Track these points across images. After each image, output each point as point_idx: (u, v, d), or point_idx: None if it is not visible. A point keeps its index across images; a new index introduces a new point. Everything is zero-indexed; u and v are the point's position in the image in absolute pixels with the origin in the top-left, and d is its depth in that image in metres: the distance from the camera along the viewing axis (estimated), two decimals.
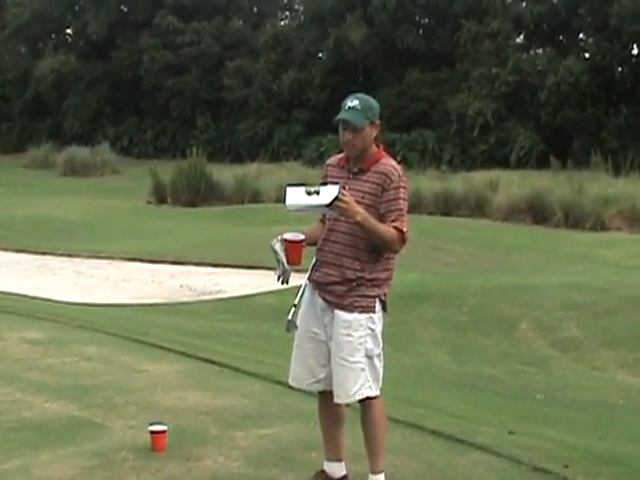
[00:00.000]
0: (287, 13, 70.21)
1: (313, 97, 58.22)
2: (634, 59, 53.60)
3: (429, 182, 34.96)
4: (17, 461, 6.75)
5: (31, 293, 16.20)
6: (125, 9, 67.63)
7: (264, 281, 17.13)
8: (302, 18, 65.42)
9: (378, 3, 56.02)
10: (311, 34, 60.34)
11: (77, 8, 69.51)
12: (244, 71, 60.92)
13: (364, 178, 5.84)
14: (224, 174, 35.89)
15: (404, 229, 5.73)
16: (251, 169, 39.73)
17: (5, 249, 23.40)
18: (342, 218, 5.73)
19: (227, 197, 34.08)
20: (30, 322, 12.02)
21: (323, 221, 6.04)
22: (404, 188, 5.83)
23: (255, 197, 34.12)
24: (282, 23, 67.50)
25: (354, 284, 5.81)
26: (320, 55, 60.20)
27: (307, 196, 5.61)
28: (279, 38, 61.92)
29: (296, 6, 68.49)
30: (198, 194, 33.69)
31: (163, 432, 6.91)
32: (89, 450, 6.91)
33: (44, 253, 22.86)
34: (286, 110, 59.25)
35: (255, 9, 68.20)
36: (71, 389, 8.61)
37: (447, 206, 33.15)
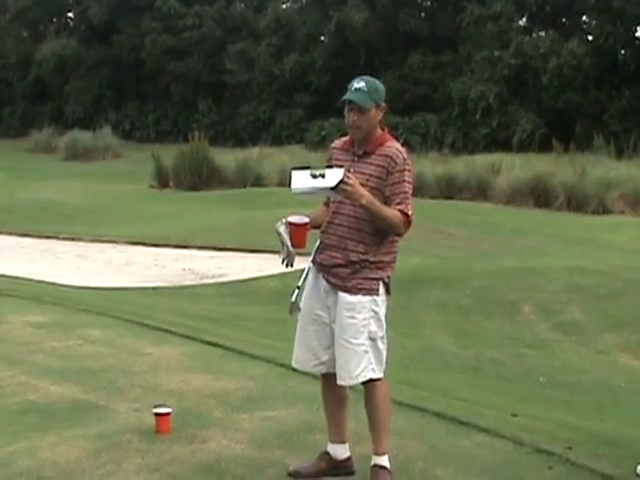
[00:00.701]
0: None
1: (315, 81, 58.07)
2: (637, 42, 53.17)
3: (431, 165, 34.94)
4: (23, 443, 6.79)
5: (35, 277, 16.23)
6: None
7: (267, 264, 17.17)
8: (304, 1, 65.15)
9: None
10: (313, 17, 60.22)
11: None
12: (246, 55, 60.77)
13: (369, 161, 5.85)
14: (226, 158, 35.91)
15: (409, 212, 5.73)
16: (253, 153, 39.71)
17: (9, 233, 23.46)
18: (347, 201, 5.73)
19: (229, 181, 34.11)
20: (34, 305, 12.05)
21: (327, 204, 6.05)
22: (409, 171, 5.85)
23: (257, 181, 34.12)
24: (284, 6, 67.18)
25: (358, 267, 5.83)
26: (322, 38, 59.96)
27: (312, 179, 5.61)
28: (281, 21, 61.73)
29: None
30: (200, 178, 33.70)
31: (167, 414, 6.95)
32: (94, 432, 6.95)
33: (47, 237, 22.91)
34: (288, 94, 59.09)
35: None
36: (75, 372, 8.65)
37: (449, 190, 33.13)
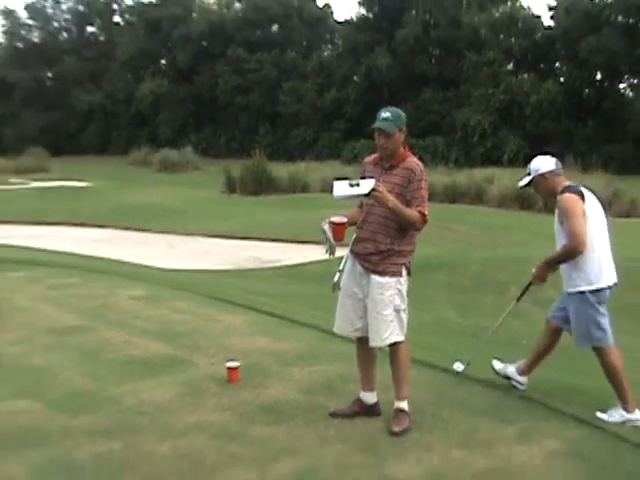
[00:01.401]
0: (329, 46, 70.00)
1: (349, 111, 58.38)
2: (597, 83, 53.57)
3: (439, 177, 34.70)
4: (128, 386, 6.87)
5: (135, 261, 16.34)
6: (205, 44, 67.68)
7: (312, 253, 17.15)
8: (340, 50, 65.26)
9: (400, 38, 56.15)
10: (347, 62, 60.42)
11: (169, 44, 69.72)
12: (296, 91, 61.11)
13: (394, 173, 5.86)
14: (280, 170, 35.91)
15: (425, 212, 5.76)
16: (301, 166, 39.64)
17: (116, 227, 23.61)
18: (377, 204, 5.74)
19: (283, 188, 34.08)
20: (134, 283, 12.12)
21: (361, 207, 6.05)
22: (425, 180, 5.85)
23: (304, 188, 34.07)
24: (325, 54, 67.42)
25: (386, 254, 5.85)
26: (355, 78, 60.05)
27: (350, 187, 5.64)
28: (323, 65, 62.12)
29: (336, 40, 68.28)
30: (260, 186, 33.70)
31: (237, 367, 6.99)
32: (181, 380, 7.01)
33: (144, 230, 23.04)
34: (328, 121, 59.36)
35: (304, 43, 68.14)
36: (167, 334, 8.70)
37: (454, 196, 32.95)
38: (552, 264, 6.45)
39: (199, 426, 5.95)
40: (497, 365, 6.96)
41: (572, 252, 6.18)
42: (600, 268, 6.27)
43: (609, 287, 6.30)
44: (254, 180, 34.09)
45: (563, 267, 6.41)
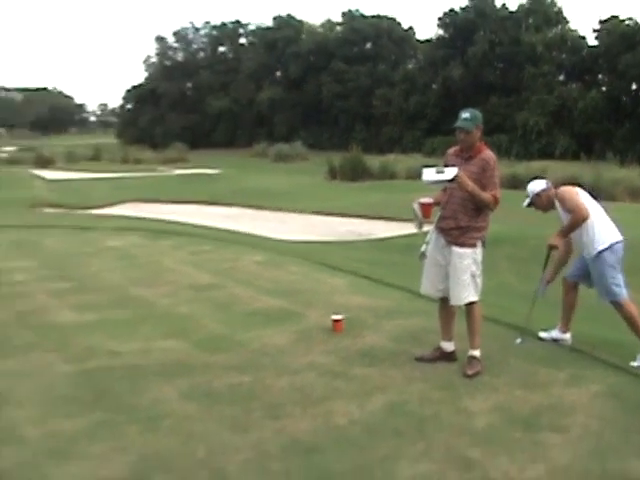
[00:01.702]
0: (413, 60, 69.30)
1: (429, 113, 57.86)
2: (633, 92, 52.18)
3: (503, 168, 33.41)
4: (253, 333, 6.95)
5: (255, 232, 16.46)
6: (312, 59, 67.91)
7: (399, 228, 17.04)
8: (422, 63, 64.62)
9: (471, 54, 55.37)
10: (427, 73, 59.98)
11: (283, 59, 70.10)
12: (385, 97, 60.88)
13: (472, 162, 5.79)
14: (372, 161, 35.67)
15: (498, 195, 5.72)
16: (390, 158, 39.24)
17: (240, 206, 23.83)
18: (458, 188, 5.69)
19: (375, 176, 33.76)
20: (256, 250, 12.22)
21: (445, 190, 5.97)
22: (497, 169, 5.80)
23: (392, 176, 33.74)
24: (409, 66, 66.96)
25: (465, 230, 5.80)
26: (434, 86, 59.39)
27: (436, 174, 5.61)
28: (407, 76, 61.90)
29: (418, 55, 67.62)
30: (356, 173, 33.48)
31: (340, 320, 7.00)
32: (295, 329, 7.07)
33: (262, 208, 23.18)
34: (411, 121, 59.04)
35: (393, 57, 67.57)
36: (283, 292, 8.75)
37: (514, 184, 32.32)
38: (563, 234, 6.43)
39: (310, 366, 5.98)
40: (543, 334, 6.81)
41: (578, 221, 6.25)
42: (605, 228, 6.35)
43: (618, 242, 6.33)
44: (351, 169, 33.90)
45: (578, 240, 6.44)
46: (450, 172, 5.60)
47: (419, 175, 5.74)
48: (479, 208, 5.80)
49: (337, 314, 7.07)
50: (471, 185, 5.65)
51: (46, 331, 7.02)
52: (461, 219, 5.81)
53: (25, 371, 5.89)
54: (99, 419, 4.94)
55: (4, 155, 52.04)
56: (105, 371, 5.87)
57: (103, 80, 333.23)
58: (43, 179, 32.71)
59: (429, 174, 5.64)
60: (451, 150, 6.10)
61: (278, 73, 74.54)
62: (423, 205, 5.79)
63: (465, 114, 5.80)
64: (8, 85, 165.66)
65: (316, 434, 4.68)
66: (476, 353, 5.93)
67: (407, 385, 5.54)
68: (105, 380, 5.67)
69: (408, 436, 4.66)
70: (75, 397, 5.32)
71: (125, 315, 7.62)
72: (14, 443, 4.61)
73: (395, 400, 5.24)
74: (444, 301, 6.07)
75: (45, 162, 43.56)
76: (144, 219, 17.91)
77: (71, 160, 47.49)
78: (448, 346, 6.16)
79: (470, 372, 5.77)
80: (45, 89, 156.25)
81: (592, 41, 55.12)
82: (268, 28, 75.92)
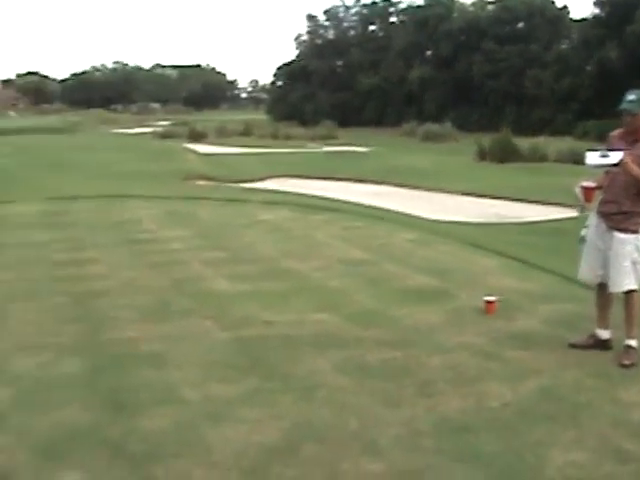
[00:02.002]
0: (566, 40, 66.64)
1: (582, 95, 55.63)
2: None
3: None
4: (406, 310, 6.97)
5: (404, 211, 16.40)
6: (463, 38, 66.85)
7: (547, 211, 16.60)
8: (575, 43, 62.11)
9: (629, 33, 52.51)
10: (581, 54, 57.59)
11: (434, 38, 69.21)
12: (537, 78, 59.17)
13: (637, 146, 5.53)
14: (522, 143, 34.70)
15: None
16: (540, 140, 38.06)
17: (389, 184, 23.81)
18: (622, 172, 5.46)
19: (524, 157, 32.81)
20: (406, 228, 12.23)
21: (607, 173, 5.73)
22: None
23: (542, 158, 32.73)
24: (563, 47, 64.58)
25: (628, 215, 5.58)
26: (587, 67, 56.98)
27: (601, 158, 5.43)
28: (560, 56, 59.75)
29: (572, 35, 64.98)
30: (506, 155, 32.74)
31: (493, 302, 6.92)
32: (446, 308, 7.05)
33: (410, 187, 23.07)
34: (563, 103, 57.04)
35: (546, 37, 65.26)
36: (435, 270, 8.72)
37: None
38: None
39: (462, 345, 5.96)
40: None
41: None
42: None
43: None
44: (501, 150, 33.15)
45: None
46: (615, 156, 5.40)
47: (581, 158, 5.58)
48: None
49: (490, 295, 6.98)
50: (636, 169, 5.42)
51: (202, 299, 7.34)
52: (623, 204, 5.60)
53: (183, 336, 6.19)
54: (254, 386, 5.13)
55: (159, 129, 54.28)
56: (260, 340, 6.08)
57: (255, 57, 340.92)
58: (196, 153, 33.86)
59: (593, 158, 5.47)
60: (615, 133, 5.85)
61: (428, 52, 73.65)
62: (586, 189, 5.61)
63: (631, 96, 5.54)
64: (164, 62, 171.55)
65: (468, 414, 4.69)
66: (633, 343, 5.71)
67: (561, 370, 5.42)
68: (260, 348, 5.87)
69: (561, 422, 4.58)
70: (231, 363, 5.55)
71: (278, 287, 7.83)
72: (175, 403, 4.86)
73: (548, 385, 5.15)
74: (602, 287, 5.87)
75: (198, 136, 45.20)
76: (294, 194, 18.25)
77: (222, 135, 48.98)
78: (604, 334, 5.95)
79: (626, 362, 5.57)
80: (199, 66, 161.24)
81: None
82: (419, 6, 75.22)
